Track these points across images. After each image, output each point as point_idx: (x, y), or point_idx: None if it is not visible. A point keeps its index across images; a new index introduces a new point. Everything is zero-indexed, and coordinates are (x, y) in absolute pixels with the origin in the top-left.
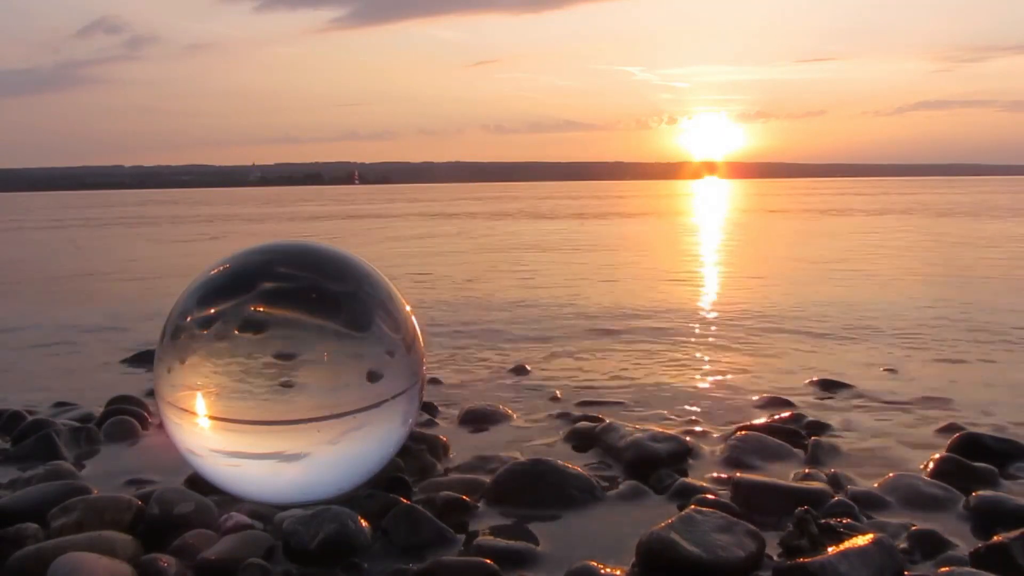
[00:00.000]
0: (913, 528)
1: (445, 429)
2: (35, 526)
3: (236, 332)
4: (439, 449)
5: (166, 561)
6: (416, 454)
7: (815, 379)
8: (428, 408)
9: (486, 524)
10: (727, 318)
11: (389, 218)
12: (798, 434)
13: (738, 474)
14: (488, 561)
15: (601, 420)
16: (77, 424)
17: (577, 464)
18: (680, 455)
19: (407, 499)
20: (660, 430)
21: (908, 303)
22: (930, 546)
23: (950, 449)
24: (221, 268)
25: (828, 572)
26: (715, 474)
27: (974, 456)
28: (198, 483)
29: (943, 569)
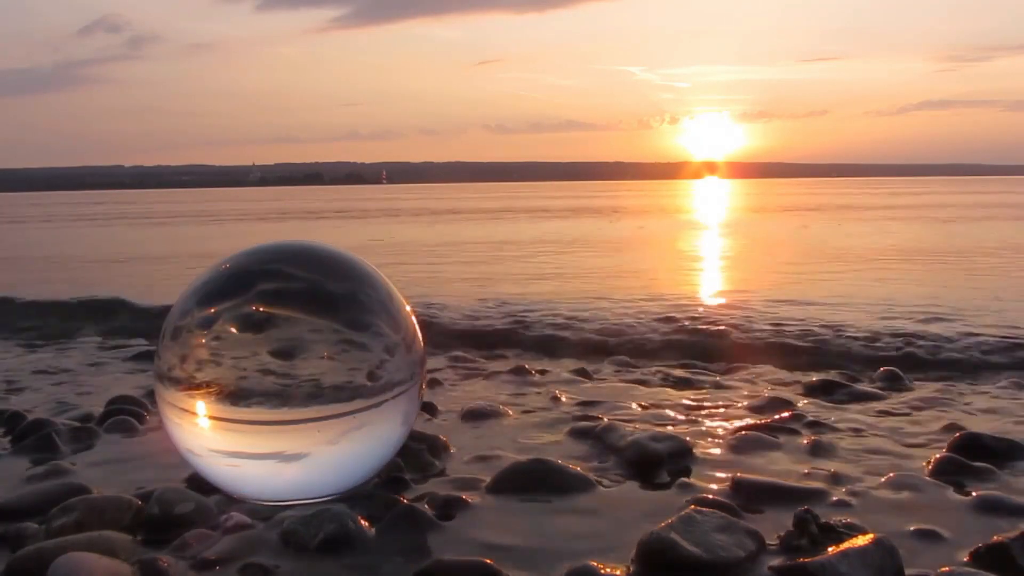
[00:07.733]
0: (913, 528)
1: (445, 428)
2: (35, 526)
3: (236, 332)
4: (439, 448)
5: (166, 561)
6: (416, 454)
7: (815, 379)
8: (428, 407)
9: (486, 523)
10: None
11: None
12: (798, 434)
13: (738, 474)
14: (488, 561)
15: (601, 419)
16: (77, 424)
17: (577, 464)
18: (680, 455)
19: (407, 499)
20: (660, 429)
21: None
22: (930, 546)
23: (950, 449)
24: (221, 268)
25: (828, 572)
26: (715, 474)
27: (974, 456)
28: (198, 483)
29: (943, 569)
